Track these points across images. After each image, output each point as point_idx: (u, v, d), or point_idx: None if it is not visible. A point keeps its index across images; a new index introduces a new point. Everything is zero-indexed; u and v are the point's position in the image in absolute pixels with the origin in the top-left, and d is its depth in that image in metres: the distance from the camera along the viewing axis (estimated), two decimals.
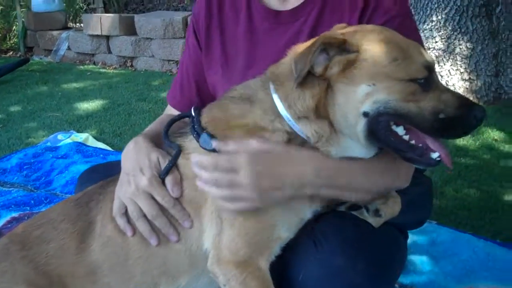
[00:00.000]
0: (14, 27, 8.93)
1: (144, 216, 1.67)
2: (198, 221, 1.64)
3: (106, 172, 1.92)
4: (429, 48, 4.90)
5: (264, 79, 1.65)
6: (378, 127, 1.48)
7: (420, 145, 1.50)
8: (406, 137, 1.51)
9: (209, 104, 1.78)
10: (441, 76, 4.85)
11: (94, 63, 7.80)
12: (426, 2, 5.00)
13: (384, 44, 1.51)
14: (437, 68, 4.83)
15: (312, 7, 1.87)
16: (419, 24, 4.98)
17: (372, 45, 1.51)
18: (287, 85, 1.56)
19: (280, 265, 1.67)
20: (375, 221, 1.77)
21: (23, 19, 8.62)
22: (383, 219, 1.78)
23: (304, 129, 1.55)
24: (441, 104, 1.46)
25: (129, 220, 1.70)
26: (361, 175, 1.64)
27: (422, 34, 4.93)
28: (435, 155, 1.49)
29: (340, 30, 1.61)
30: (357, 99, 1.47)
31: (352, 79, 1.48)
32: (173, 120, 1.86)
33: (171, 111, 2.16)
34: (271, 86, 1.60)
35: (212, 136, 1.61)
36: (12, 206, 3.21)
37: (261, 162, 1.53)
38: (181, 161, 1.69)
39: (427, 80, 1.47)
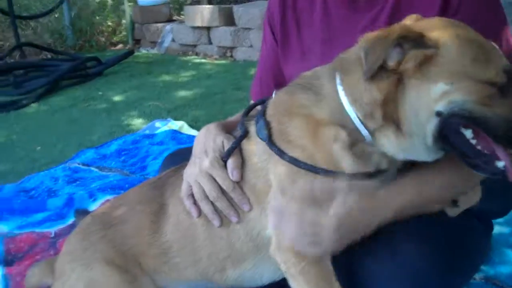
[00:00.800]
0: (123, 21, 9.35)
1: (208, 197, 1.70)
2: (260, 208, 1.65)
3: (188, 155, 1.96)
4: None
5: (332, 68, 1.60)
6: (449, 127, 1.41)
7: (487, 152, 1.44)
8: (474, 142, 1.43)
9: (278, 91, 1.78)
10: None
11: (196, 54, 8.00)
12: None
13: (465, 41, 1.43)
14: None
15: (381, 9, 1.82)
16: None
17: (451, 41, 1.42)
18: (354, 77, 1.50)
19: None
20: (452, 211, 1.71)
21: (130, 13, 9.00)
22: (461, 209, 1.71)
23: (368, 126, 1.48)
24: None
25: (195, 202, 1.74)
26: (438, 188, 1.59)
27: None
28: (500, 164, 1.43)
29: (415, 22, 1.54)
30: (432, 98, 1.40)
31: (428, 76, 1.40)
32: (254, 105, 1.88)
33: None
34: (337, 77, 1.54)
35: (267, 124, 1.62)
36: (108, 189, 3.37)
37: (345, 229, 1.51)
38: (245, 146, 1.70)
39: (506, 85, 1.40)
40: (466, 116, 1.38)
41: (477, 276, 2.27)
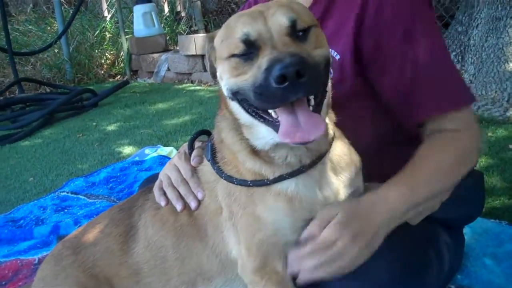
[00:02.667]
0: (121, 53, 9.50)
1: (172, 184, 1.83)
2: (218, 229, 1.71)
3: None
4: None
5: None
6: (243, 105, 1.50)
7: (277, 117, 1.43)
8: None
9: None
10: None
11: (191, 82, 8.10)
12: None
13: (223, 28, 1.55)
14: None
15: (320, 5, 1.89)
16: (506, 19, 4.74)
17: (219, 32, 1.57)
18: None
19: None
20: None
21: (127, 45, 9.15)
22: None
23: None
24: (257, 72, 1.37)
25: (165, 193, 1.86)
26: (436, 181, 1.66)
27: (509, 30, 4.69)
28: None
29: None
30: (221, 83, 1.54)
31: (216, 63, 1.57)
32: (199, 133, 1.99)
33: None
34: None
35: (212, 146, 1.74)
36: (94, 216, 3.39)
37: (352, 225, 1.53)
38: (201, 167, 1.80)
39: (248, 53, 1.41)
40: (234, 92, 1.48)
41: (453, 286, 2.27)
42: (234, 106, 1.55)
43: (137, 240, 1.85)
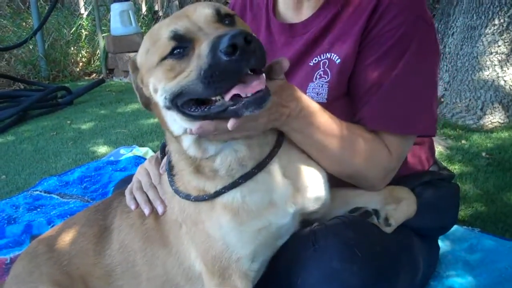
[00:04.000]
0: (97, 51, 9.42)
1: (141, 188, 1.84)
2: (179, 240, 1.72)
3: None
4: (491, 53, 4.73)
5: None
6: (184, 111, 1.42)
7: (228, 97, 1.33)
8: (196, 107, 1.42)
9: None
10: (505, 81, 4.66)
11: None
12: (488, 5, 4.83)
13: (144, 41, 1.53)
14: (499, 73, 4.66)
15: (325, 17, 1.88)
16: (481, 28, 4.82)
17: (142, 46, 1.55)
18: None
19: (282, 268, 1.69)
20: (387, 228, 1.78)
21: (104, 44, 9.07)
22: (394, 227, 1.78)
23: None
24: (199, 61, 1.31)
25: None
26: (335, 138, 1.66)
27: (484, 39, 4.77)
28: (248, 94, 1.30)
29: None
30: (154, 100, 1.51)
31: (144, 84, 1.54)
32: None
33: None
34: None
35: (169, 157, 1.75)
36: (67, 215, 3.36)
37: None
38: (164, 177, 1.80)
39: (181, 49, 1.37)
40: (177, 96, 1.39)
41: None
42: (170, 117, 1.50)
43: (110, 242, 1.85)
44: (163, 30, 1.40)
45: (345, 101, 1.84)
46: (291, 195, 1.63)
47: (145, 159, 4.40)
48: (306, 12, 1.93)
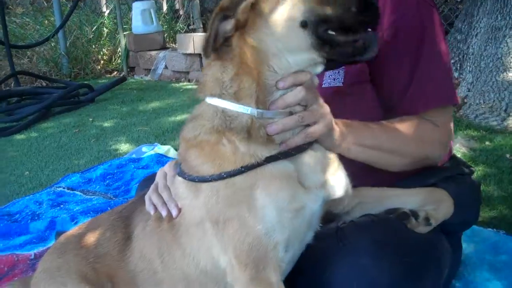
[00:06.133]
0: (118, 49, 9.48)
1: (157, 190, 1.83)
2: (194, 238, 1.68)
3: None
4: None
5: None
6: (322, 35, 1.48)
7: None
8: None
9: None
10: None
11: (188, 81, 8.10)
12: None
13: None
14: None
15: None
16: (506, 29, 4.77)
17: None
18: (208, 77, 1.60)
19: (308, 265, 1.69)
20: (424, 229, 1.77)
21: (125, 42, 9.13)
22: (433, 226, 1.78)
23: (247, 103, 1.55)
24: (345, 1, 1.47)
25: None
26: (385, 136, 1.77)
27: (508, 40, 4.72)
28: (369, 32, 1.52)
29: None
30: (289, 15, 1.48)
31: (267, 8, 1.50)
32: None
33: None
34: (202, 97, 1.65)
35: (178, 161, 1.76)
36: (90, 212, 3.41)
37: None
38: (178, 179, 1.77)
39: None
40: (323, 19, 1.47)
41: None
42: (277, 55, 1.52)
43: (131, 250, 1.85)
44: None
45: (363, 87, 1.93)
46: (325, 179, 1.65)
47: (166, 157, 4.44)
48: None
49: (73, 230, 2.09)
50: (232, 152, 1.55)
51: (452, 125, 2.00)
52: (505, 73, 4.66)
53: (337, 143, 1.67)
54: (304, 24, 1.47)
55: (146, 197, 1.86)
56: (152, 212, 1.81)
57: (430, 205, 1.80)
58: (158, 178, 1.88)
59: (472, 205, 2.10)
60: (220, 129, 1.57)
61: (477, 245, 2.63)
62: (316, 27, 1.47)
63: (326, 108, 1.62)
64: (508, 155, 3.80)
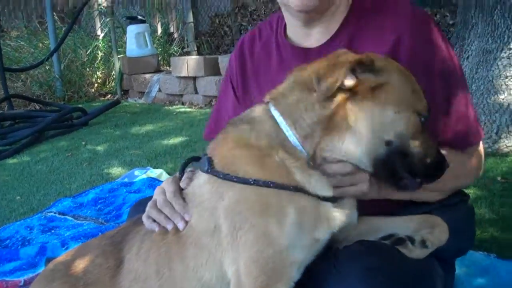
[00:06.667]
0: (113, 72, 9.51)
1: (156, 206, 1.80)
2: (203, 250, 1.65)
3: None
4: (506, 77, 4.70)
5: (263, 103, 1.71)
6: (394, 157, 1.55)
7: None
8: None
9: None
10: None
11: (182, 103, 8.11)
12: (504, 29, 4.81)
13: (405, 73, 1.58)
14: None
15: (339, 43, 1.91)
16: (497, 52, 4.80)
17: (396, 70, 1.57)
18: (291, 101, 1.61)
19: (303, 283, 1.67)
20: (421, 252, 1.75)
21: (119, 65, 9.17)
22: (430, 250, 1.76)
23: (305, 146, 1.58)
24: (429, 148, 1.58)
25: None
26: None
27: (499, 63, 4.75)
28: (418, 180, 1.62)
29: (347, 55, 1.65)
30: (383, 125, 1.53)
31: (380, 100, 1.53)
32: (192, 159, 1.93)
33: None
34: (271, 105, 1.65)
35: (209, 159, 1.68)
36: (81, 238, 3.39)
37: None
38: (191, 189, 1.75)
39: (426, 119, 1.57)
40: (403, 150, 1.54)
41: None
42: (379, 150, 1.56)
43: (124, 275, 1.81)
44: (422, 93, 1.60)
45: None
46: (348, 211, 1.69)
47: (159, 180, 4.43)
48: (318, 37, 1.97)
49: (62, 256, 2.05)
50: (285, 169, 1.59)
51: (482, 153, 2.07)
52: (496, 96, 4.68)
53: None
54: (389, 143, 1.54)
55: (144, 217, 1.82)
56: (156, 229, 1.77)
57: (425, 229, 1.78)
58: (157, 194, 1.84)
59: (467, 232, 2.10)
60: (275, 146, 1.60)
61: (468, 269, 2.63)
62: (394, 152, 1.54)
63: (365, 176, 1.64)
64: (499, 178, 3.82)
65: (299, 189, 1.56)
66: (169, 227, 1.73)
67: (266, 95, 1.71)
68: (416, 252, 1.74)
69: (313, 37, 1.98)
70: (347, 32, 1.92)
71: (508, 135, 4.52)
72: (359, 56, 1.54)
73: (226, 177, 1.61)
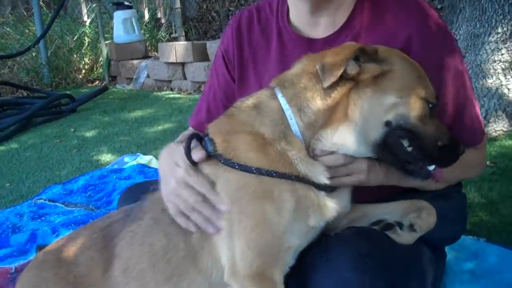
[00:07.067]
0: (100, 58, 9.45)
1: (194, 207, 1.69)
2: (210, 239, 1.66)
3: (143, 190, 1.98)
4: (494, 61, 4.72)
5: (270, 87, 1.70)
6: (392, 137, 1.55)
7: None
8: (410, 149, 1.57)
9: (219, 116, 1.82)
10: (508, 89, 4.65)
11: (171, 89, 8.09)
12: (491, 13, 4.82)
13: (410, 62, 1.61)
14: (503, 81, 4.65)
15: (346, 36, 1.87)
16: (485, 36, 4.82)
17: (400, 59, 1.59)
18: (298, 88, 1.61)
19: (291, 274, 1.68)
20: (410, 237, 1.77)
21: (107, 51, 9.11)
22: (419, 234, 1.77)
23: (306, 135, 1.60)
24: (440, 132, 1.59)
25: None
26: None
27: (487, 47, 4.77)
28: (431, 167, 1.62)
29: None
30: (383, 108, 1.55)
31: (381, 87, 1.55)
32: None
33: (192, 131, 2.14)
34: (278, 91, 1.65)
35: (212, 141, 1.67)
36: (72, 224, 3.37)
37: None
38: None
39: (434, 108, 1.59)
40: (407, 129, 1.54)
41: None
42: (379, 131, 1.56)
43: (118, 269, 1.79)
44: (429, 81, 1.62)
45: None
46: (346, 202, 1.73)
47: (149, 167, 4.41)
48: (324, 29, 1.91)
49: (52, 246, 2.01)
50: (287, 159, 1.59)
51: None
52: (484, 80, 4.70)
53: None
54: (388, 123, 1.55)
55: (177, 216, 1.72)
56: (193, 229, 1.68)
57: (412, 213, 1.79)
58: (183, 191, 1.69)
59: (459, 220, 2.12)
60: (279, 135, 1.61)
61: (458, 253, 2.64)
62: (395, 130, 1.55)
63: (362, 165, 1.66)
64: (488, 162, 3.84)
65: (300, 179, 1.58)
66: (211, 229, 1.65)
67: (273, 80, 1.70)
68: (405, 237, 1.76)
69: (320, 26, 1.92)
70: (355, 26, 1.88)
71: (496, 119, 4.55)
72: (363, 45, 1.56)
73: (228, 163, 1.61)
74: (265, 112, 1.64)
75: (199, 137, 1.74)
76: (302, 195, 1.58)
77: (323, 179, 1.60)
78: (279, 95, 1.64)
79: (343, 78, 1.54)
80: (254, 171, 1.57)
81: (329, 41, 1.88)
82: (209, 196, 1.65)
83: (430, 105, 1.58)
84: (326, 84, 1.54)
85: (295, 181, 1.58)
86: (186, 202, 1.69)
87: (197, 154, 1.67)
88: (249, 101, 1.72)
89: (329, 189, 1.62)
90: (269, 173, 1.57)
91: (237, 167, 1.59)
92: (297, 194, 1.57)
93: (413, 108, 1.54)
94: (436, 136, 1.58)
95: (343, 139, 1.58)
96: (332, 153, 1.61)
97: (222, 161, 1.62)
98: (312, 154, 1.61)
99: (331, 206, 1.63)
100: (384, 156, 1.61)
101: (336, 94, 1.56)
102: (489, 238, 2.84)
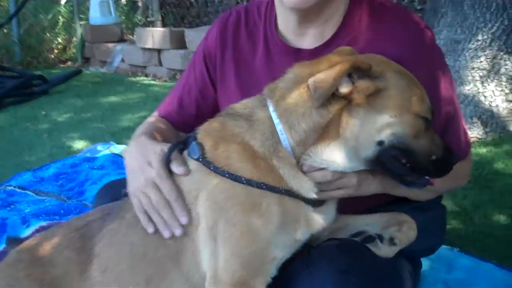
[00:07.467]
0: (74, 38, 9.28)
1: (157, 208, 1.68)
2: (193, 242, 1.63)
3: (121, 188, 1.90)
4: (473, 68, 4.77)
5: (262, 97, 1.66)
6: (387, 156, 1.53)
7: None
8: (403, 164, 1.57)
9: (208, 120, 1.77)
10: (485, 96, 4.71)
11: (145, 75, 7.98)
12: (473, 20, 4.86)
13: (406, 76, 1.57)
14: (480, 88, 4.70)
15: (334, 49, 1.81)
16: (465, 43, 4.85)
17: (395, 75, 1.55)
18: (290, 104, 1.58)
19: (272, 285, 1.67)
20: (390, 250, 1.76)
21: (81, 32, 8.94)
22: (398, 247, 1.77)
23: (296, 152, 1.57)
24: (434, 146, 1.58)
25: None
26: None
27: (466, 54, 4.81)
28: (424, 179, 1.64)
29: (351, 55, 1.64)
30: (376, 127, 1.51)
31: (375, 106, 1.51)
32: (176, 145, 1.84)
33: (160, 120, 2.15)
34: (270, 104, 1.61)
35: (201, 146, 1.63)
36: (43, 215, 3.31)
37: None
38: (178, 178, 1.68)
39: (429, 121, 1.57)
40: (401, 148, 1.52)
41: None
42: (371, 150, 1.54)
43: (96, 270, 1.74)
44: (425, 95, 1.58)
45: None
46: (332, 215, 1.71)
47: (122, 157, 4.32)
48: (312, 40, 1.89)
49: (26, 244, 1.96)
50: (277, 173, 1.57)
51: None
52: (462, 87, 4.74)
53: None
54: (380, 143, 1.52)
55: (139, 212, 1.70)
56: (150, 230, 1.67)
57: (393, 226, 1.80)
58: (149, 190, 1.68)
59: (437, 232, 2.13)
60: (270, 150, 1.58)
61: (432, 263, 2.66)
62: (387, 149, 1.53)
63: (352, 180, 1.65)
64: None
65: (289, 193, 1.56)
66: (166, 234, 1.65)
67: (265, 89, 1.67)
68: (385, 250, 1.76)
69: (308, 37, 1.90)
70: (343, 39, 1.85)
71: (472, 126, 4.60)
72: (356, 60, 1.51)
73: (218, 171, 1.59)
74: (256, 125, 1.61)
75: (183, 147, 1.73)
76: (290, 209, 1.57)
77: (312, 195, 1.58)
78: (271, 108, 1.60)
79: (335, 96, 1.51)
80: (244, 182, 1.55)
81: (316, 53, 1.84)
82: (173, 203, 1.64)
83: (426, 120, 1.56)
84: (317, 104, 1.51)
85: (285, 194, 1.56)
86: (150, 201, 1.68)
87: (179, 168, 1.66)
88: (240, 110, 1.68)
89: (318, 203, 1.61)
90: (259, 185, 1.55)
91: (227, 175, 1.57)
92: (285, 207, 1.56)
93: (408, 126, 1.52)
94: (430, 151, 1.57)
95: (333, 156, 1.56)
96: (321, 169, 1.59)
97: (211, 168, 1.59)
98: (300, 169, 1.59)
99: (318, 220, 1.62)
100: (377, 169, 1.61)
101: (327, 113, 1.53)
102: (463, 248, 2.87)
